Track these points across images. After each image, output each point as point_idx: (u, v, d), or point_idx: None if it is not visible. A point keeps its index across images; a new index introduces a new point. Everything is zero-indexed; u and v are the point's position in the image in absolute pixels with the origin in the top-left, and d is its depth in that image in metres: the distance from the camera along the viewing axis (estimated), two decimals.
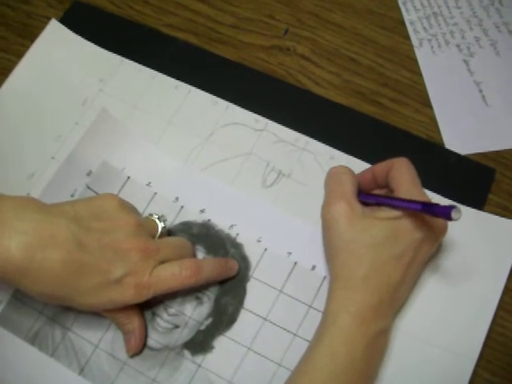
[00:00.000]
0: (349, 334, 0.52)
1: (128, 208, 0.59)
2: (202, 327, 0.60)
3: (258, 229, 0.62)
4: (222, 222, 0.63)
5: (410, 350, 0.57)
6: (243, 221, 0.62)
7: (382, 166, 0.58)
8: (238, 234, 0.63)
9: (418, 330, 0.58)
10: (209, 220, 0.63)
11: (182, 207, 0.64)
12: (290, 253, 0.61)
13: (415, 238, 0.54)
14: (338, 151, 0.66)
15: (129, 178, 0.65)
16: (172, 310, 0.60)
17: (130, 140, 0.66)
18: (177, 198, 0.64)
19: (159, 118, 0.68)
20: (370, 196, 0.57)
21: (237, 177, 0.65)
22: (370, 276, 0.53)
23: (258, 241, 0.62)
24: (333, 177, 0.57)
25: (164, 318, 0.60)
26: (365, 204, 0.56)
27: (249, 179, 0.65)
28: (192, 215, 0.63)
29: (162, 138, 0.67)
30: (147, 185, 0.65)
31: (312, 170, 0.65)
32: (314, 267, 0.61)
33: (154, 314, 0.60)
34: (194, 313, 0.60)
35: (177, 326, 0.60)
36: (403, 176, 0.56)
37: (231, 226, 0.63)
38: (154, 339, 0.59)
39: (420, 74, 0.70)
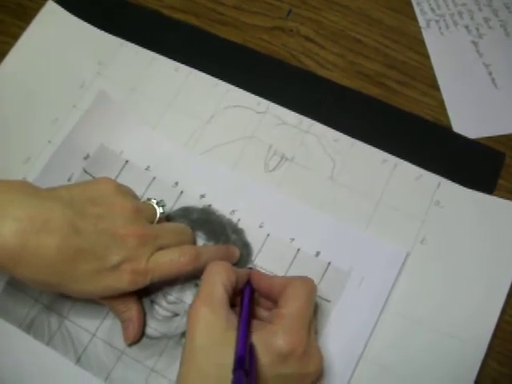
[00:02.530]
0: None
1: (125, 192, 0.58)
2: None
3: (260, 214, 0.61)
4: (223, 207, 0.62)
5: (417, 336, 0.56)
6: (245, 206, 0.62)
7: (281, 280, 0.54)
8: (239, 220, 0.62)
9: (424, 316, 0.57)
10: (209, 205, 0.62)
11: (181, 192, 0.63)
12: (293, 239, 0.60)
13: (278, 372, 0.49)
14: (342, 134, 0.64)
15: (127, 161, 0.64)
16: (171, 298, 0.59)
17: (128, 123, 0.66)
18: (176, 183, 0.63)
19: (159, 101, 0.67)
20: (243, 300, 0.54)
21: (238, 161, 0.64)
22: None
23: (260, 226, 0.61)
24: (206, 276, 0.53)
25: (163, 305, 0.59)
26: None
27: (251, 163, 0.64)
28: (192, 200, 0.62)
29: (162, 121, 0.66)
30: (146, 169, 0.64)
31: (316, 153, 0.64)
32: (318, 253, 0.60)
33: (152, 302, 0.59)
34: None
35: (176, 314, 0.59)
36: (293, 299, 0.52)
37: (232, 212, 0.62)
38: (152, 327, 0.58)
39: (427, 56, 0.68)
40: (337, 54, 0.70)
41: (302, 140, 0.65)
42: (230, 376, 0.46)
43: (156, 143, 0.65)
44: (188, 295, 0.59)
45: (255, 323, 0.51)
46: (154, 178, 0.64)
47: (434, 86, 0.67)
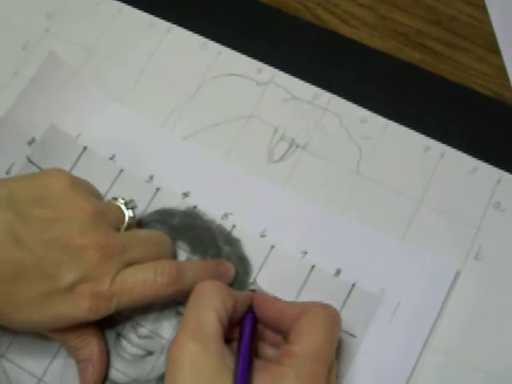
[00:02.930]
0: None
1: (83, 189, 0.58)
2: None
3: (261, 219, 0.61)
4: (212, 209, 0.62)
5: (452, 371, 0.56)
6: (242, 208, 0.62)
7: (293, 308, 0.54)
8: (234, 226, 0.61)
9: (478, 357, 0.57)
10: (194, 207, 0.62)
11: (157, 189, 0.63)
12: (306, 252, 0.60)
13: None
14: (371, 112, 0.64)
15: (85, 148, 0.64)
16: (144, 331, 0.59)
17: (87, 97, 0.65)
18: (151, 177, 0.63)
19: (127, 67, 0.67)
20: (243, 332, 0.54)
21: (233, 148, 0.64)
22: None
23: (262, 235, 0.61)
24: (193, 301, 0.53)
25: (133, 341, 0.59)
26: None
27: (250, 151, 0.64)
28: (172, 200, 0.62)
29: (132, 94, 0.66)
30: (110, 158, 0.64)
31: (337, 138, 0.64)
32: (338, 271, 0.60)
33: (119, 336, 0.59)
34: (173, 334, 0.59)
35: (150, 353, 0.58)
36: (309, 334, 0.51)
37: (225, 215, 0.62)
38: (118, 370, 0.58)
39: (484, 8, 0.68)
40: (364, 5, 0.70)
41: (318, 121, 0.65)
42: None
43: (124, 124, 0.65)
44: (166, 327, 0.59)
45: (258, 364, 0.51)
46: (122, 170, 0.64)
47: (493, 48, 0.67)
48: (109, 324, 0.58)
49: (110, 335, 0.59)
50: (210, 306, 0.52)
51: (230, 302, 0.53)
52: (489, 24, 0.68)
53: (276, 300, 0.56)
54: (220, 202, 0.62)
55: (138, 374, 0.58)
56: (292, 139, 0.64)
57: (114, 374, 0.58)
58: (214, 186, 0.63)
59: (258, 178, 0.63)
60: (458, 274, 0.59)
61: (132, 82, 0.67)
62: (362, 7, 0.70)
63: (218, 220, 0.62)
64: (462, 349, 0.57)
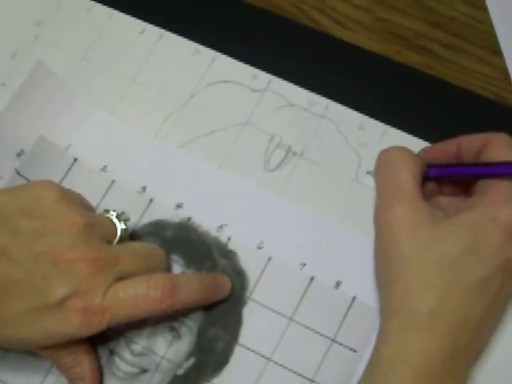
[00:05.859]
0: None
1: (73, 201, 0.57)
2: (181, 371, 0.59)
3: (258, 230, 0.61)
4: (207, 220, 0.62)
5: None
6: (237, 219, 0.62)
7: (472, 139, 0.56)
8: (229, 239, 0.61)
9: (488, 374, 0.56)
10: (189, 218, 0.62)
11: (151, 200, 0.63)
12: (305, 264, 0.60)
13: (507, 256, 0.51)
14: (370, 119, 0.64)
15: (76, 159, 0.64)
16: (137, 348, 0.59)
17: (76, 107, 0.65)
18: (143, 188, 0.63)
19: (118, 75, 0.67)
20: (446, 168, 0.56)
21: (228, 156, 0.64)
22: (442, 311, 0.51)
23: (259, 247, 0.61)
24: (384, 167, 0.56)
25: (126, 358, 0.58)
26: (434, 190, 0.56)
27: (245, 160, 0.64)
28: (165, 212, 0.62)
29: (123, 102, 0.66)
30: (102, 169, 0.64)
31: (335, 145, 0.64)
32: (338, 284, 0.59)
33: (112, 353, 0.59)
34: (168, 351, 0.59)
35: (145, 370, 0.58)
36: (506, 158, 0.54)
37: (220, 227, 0.62)
38: None
39: (485, 9, 0.68)
40: (361, 7, 0.69)
41: (315, 127, 0.64)
42: None
43: (115, 134, 0.65)
44: (160, 344, 0.59)
45: (458, 203, 0.55)
46: (113, 181, 0.63)
47: (495, 50, 0.67)
48: (101, 341, 0.58)
49: (103, 352, 0.59)
50: (405, 169, 0.54)
51: (418, 163, 0.55)
52: (489, 25, 0.68)
53: (448, 141, 0.58)
54: (215, 213, 0.62)
55: None
56: (289, 147, 0.64)
57: None
58: (209, 197, 0.63)
59: (253, 187, 0.63)
60: None
61: (123, 89, 0.67)
62: (359, 9, 0.69)
63: (213, 232, 0.61)
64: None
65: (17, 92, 0.64)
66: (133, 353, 0.59)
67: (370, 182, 0.62)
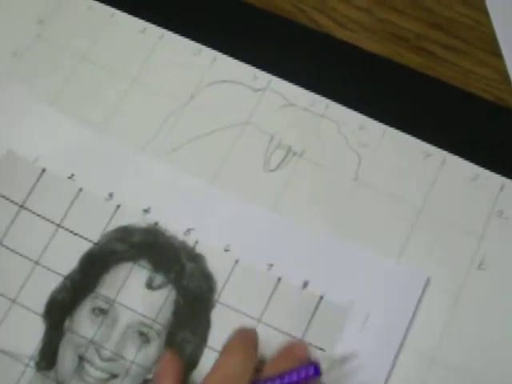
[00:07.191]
0: None
1: None
2: (150, 376, 0.58)
3: (224, 233, 0.61)
4: (174, 225, 0.62)
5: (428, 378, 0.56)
6: (204, 223, 0.62)
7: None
8: (197, 242, 0.61)
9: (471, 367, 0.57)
10: (156, 223, 0.62)
11: (118, 206, 0.63)
12: (272, 264, 0.60)
13: None
14: (369, 119, 0.64)
15: (44, 170, 0.64)
16: (107, 353, 0.58)
17: (41, 117, 0.66)
18: (110, 195, 0.63)
19: (119, 74, 0.67)
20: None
21: (228, 156, 0.64)
22: None
23: (226, 250, 0.61)
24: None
25: (96, 364, 0.58)
26: None
27: (245, 160, 0.64)
28: (132, 217, 0.62)
29: (124, 100, 0.66)
30: (69, 178, 0.64)
31: (335, 145, 0.64)
32: (305, 284, 0.59)
33: (81, 359, 0.58)
34: (137, 355, 0.59)
35: (114, 376, 0.58)
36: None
37: (187, 231, 0.62)
38: None
39: (484, 11, 0.68)
40: (361, 8, 0.69)
41: (315, 127, 0.64)
42: None
43: (81, 141, 0.65)
44: (130, 348, 0.59)
45: None
46: (81, 189, 0.63)
47: (495, 51, 0.67)
48: (70, 347, 0.58)
49: (73, 359, 0.58)
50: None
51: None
52: (489, 26, 0.67)
53: None
54: (182, 217, 0.62)
55: None
56: (289, 147, 0.64)
57: None
58: (175, 201, 0.63)
59: (218, 190, 0.63)
60: (428, 281, 0.59)
61: (124, 88, 0.67)
62: (359, 10, 0.69)
63: (181, 236, 0.61)
64: (466, 365, 0.57)
65: None
66: (102, 358, 0.58)
67: (369, 181, 0.62)
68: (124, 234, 0.62)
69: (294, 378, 0.52)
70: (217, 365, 0.53)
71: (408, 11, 0.69)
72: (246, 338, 0.55)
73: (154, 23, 0.69)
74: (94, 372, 0.58)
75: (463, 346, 0.57)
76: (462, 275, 0.59)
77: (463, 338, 0.58)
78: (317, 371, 0.52)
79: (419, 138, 0.63)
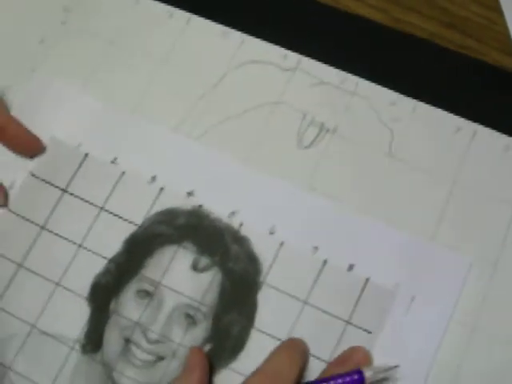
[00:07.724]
0: None
1: None
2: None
3: (269, 215, 0.61)
4: (218, 207, 0.62)
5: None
6: (249, 205, 0.62)
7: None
8: (241, 224, 0.61)
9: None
10: (200, 206, 0.62)
11: (161, 189, 0.63)
12: (317, 247, 0.60)
13: None
14: (400, 95, 0.64)
15: (87, 155, 0.65)
16: (153, 335, 0.59)
17: (85, 105, 0.67)
18: (153, 178, 0.63)
19: (147, 59, 0.68)
20: None
21: (262, 135, 0.64)
22: None
23: (271, 232, 0.61)
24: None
25: (143, 346, 0.59)
26: None
27: (279, 138, 0.64)
28: (176, 200, 0.62)
29: (153, 86, 0.67)
30: (112, 162, 0.64)
31: (367, 121, 0.64)
32: (351, 267, 0.59)
33: (128, 342, 0.59)
34: (184, 338, 0.59)
35: (161, 358, 0.59)
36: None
37: (232, 213, 0.62)
38: (129, 377, 0.58)
39: (498, 10, 0.68)
40: (376, 7, 0.69)
41: (347, 104, 0.64)
42: None
43: (124, 125, 0.66)
44: (176, 331, 0.59)
45: None
46: (123, 172, 0.64)
47: (509, 51, 0.66)
48: (117, 330, 0.59)
49: (119, 341, 0.59)
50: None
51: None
52: (504, 26, 0.67)
53: None
54: (226, 199, 0.62)
55: (149, 381, 0.58)
56: (322, 124, 0.64)
57: (124, 381, 0.58)
58: (220, 184, 0.63)
59: (262, 174, 0.63)
60: (470, 267, 0.58)
61: (153, 73, 0.67)
62: (374, 9, 0.69)
63: (225, 218, 0.62)
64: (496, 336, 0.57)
65: (28, 92, 0.67)
66: (149, 340, 0.59)
67: (402, 156, 0.62)
68: (168, 216, 0.62)
69: (339, 382, 0.53)
70: (265, 361, 0.55)
71: (423, 11, 0.69)
72: (293, 344, 0.57)
73: (181, 7, 0.70)
74: (140, 354, 0.58)
75: (508, 321, 0.57)
76: (499, 246, 0.59)
77: (507, 312, 0.57)
78: (361, 378, 0.53)
79: (450, 111, 0.63)
